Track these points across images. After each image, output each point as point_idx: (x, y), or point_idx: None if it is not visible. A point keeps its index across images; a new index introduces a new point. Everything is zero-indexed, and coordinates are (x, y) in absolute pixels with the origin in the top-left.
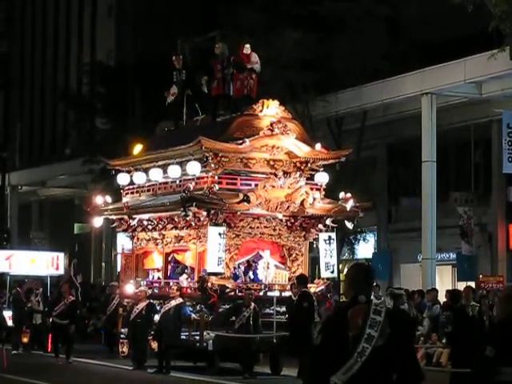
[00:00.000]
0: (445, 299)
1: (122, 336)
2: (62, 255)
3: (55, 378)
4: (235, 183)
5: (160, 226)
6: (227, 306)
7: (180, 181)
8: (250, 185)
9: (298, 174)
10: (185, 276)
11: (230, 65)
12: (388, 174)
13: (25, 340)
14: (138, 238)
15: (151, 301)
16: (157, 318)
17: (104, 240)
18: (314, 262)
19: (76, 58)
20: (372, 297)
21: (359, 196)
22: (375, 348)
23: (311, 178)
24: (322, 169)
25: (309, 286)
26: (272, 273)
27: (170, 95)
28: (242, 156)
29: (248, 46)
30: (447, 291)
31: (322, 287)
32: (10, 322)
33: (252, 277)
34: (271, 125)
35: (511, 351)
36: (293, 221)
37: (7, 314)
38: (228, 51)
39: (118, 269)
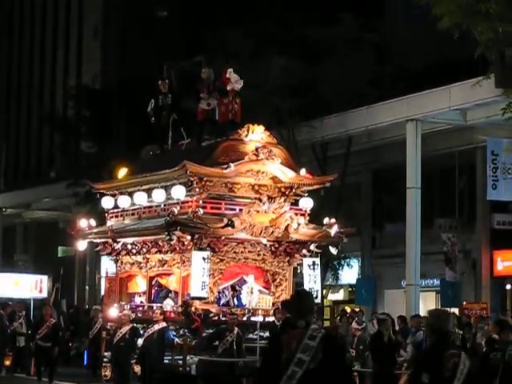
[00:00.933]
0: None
1: (104, 359)
2: (45, 278)
3: None
4: (220, 208)
5: (144, 250)
6: (211, 331)
7: (164, 205)
8: (234, 209)
9: (283, 199)
10: (168, 300)
11: (215, 89)
12: (373, 199)
13: (7, 363)
14: (122, 262)
15: (135, 325)
16: (140, 341)
17: (88, 263)
18: (298, 287)
19: (62, 81)
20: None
21: (344, 221)
22: (307, 371)
23: (296, 203)
24: (306, 194)
25: None
26: (256, 298)
27: (150, 106)
28: (226, 180)
29: (230, 70)
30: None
31: None
32: None
33: (236, 301)
34: (256, 150)
35: (439, 377)
36: (277, 246)
37: None
38: (214, 76)
39: (102, 292)
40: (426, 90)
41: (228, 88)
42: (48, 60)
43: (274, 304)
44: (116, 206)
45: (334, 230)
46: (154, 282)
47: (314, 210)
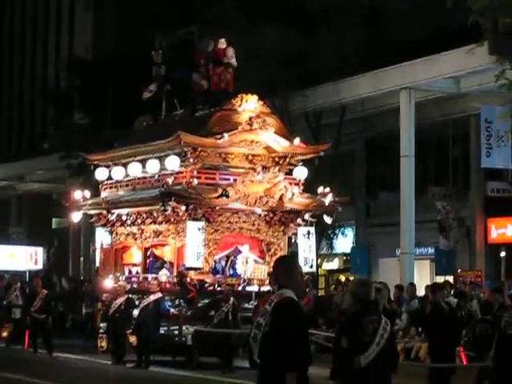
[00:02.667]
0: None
1: (100, 331)
2: (40, 250)
3: (37, 372)
4: (214, 178)
5: (139, 221)
6: (206, 301)
7: (159, 175)
8: (228, 179)
9: (277, 168)
10: (164, 271)
11: (209, 59)
12: (367, 168)
13: (5, 334)
14: (116, 233)
15: (130, 295)
16: (136, 312)
17: (82, 235)
18: None
19: (54, 53)
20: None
21: (338, 190)
22: (264, 334)
23: (290, 172)
24: (300, 163)
25: None
26: (251, 267)
27: (147, 91)
28: (220, 151)
29: (223, 40)
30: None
31: None
32: None
33: (231, 271)
34: (250, 119)
35: (359, 341)
36: (272, 215)
37: None
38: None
39: (97, 264)
40: (420, 58)
41: (225, 61)
42: (40, 32)
43: (269, 274)
44: (110, 178)
45: (328, 199)
46: (149, 253)
47: (308, 179)
